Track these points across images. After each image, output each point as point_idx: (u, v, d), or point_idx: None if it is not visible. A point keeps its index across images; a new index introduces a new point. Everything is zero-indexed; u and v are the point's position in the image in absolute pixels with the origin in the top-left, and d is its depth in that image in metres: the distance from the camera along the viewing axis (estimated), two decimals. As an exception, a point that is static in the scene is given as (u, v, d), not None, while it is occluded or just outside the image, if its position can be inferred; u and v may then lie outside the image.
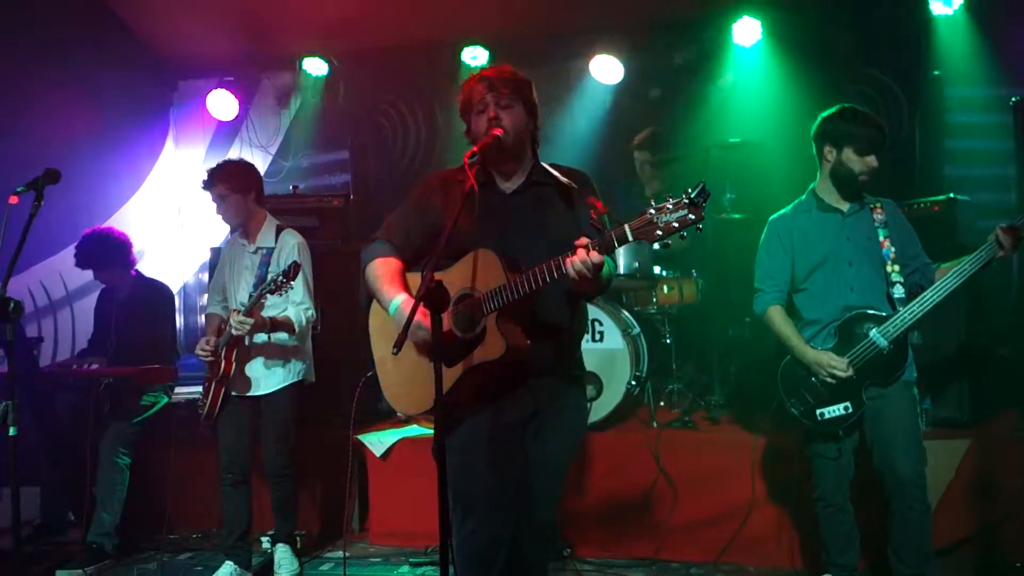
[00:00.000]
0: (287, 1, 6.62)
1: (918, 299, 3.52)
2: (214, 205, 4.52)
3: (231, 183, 4.46)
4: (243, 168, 4.59)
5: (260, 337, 4.40)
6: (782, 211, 3.89)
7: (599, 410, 4.93)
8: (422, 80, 7.52)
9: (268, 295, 4.13)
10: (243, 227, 4.57)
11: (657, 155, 6.11)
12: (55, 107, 6.15)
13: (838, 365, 3.58)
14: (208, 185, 4.49)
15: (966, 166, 6.12)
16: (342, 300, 5.60)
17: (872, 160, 3.61)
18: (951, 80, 6.25)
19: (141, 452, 5.10)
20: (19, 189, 3.61)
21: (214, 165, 4.55)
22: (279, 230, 4.61)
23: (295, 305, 4.43)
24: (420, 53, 7.27)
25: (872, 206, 3.74)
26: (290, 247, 4.51)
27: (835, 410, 3.64)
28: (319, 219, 6.01)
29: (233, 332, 4.24)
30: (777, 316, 3.80)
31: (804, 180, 3.94)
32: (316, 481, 5.29)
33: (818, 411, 3.68)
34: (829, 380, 3.61)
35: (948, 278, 3.47)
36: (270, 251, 4.51)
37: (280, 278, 4.04)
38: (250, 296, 4.31)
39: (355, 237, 5.96)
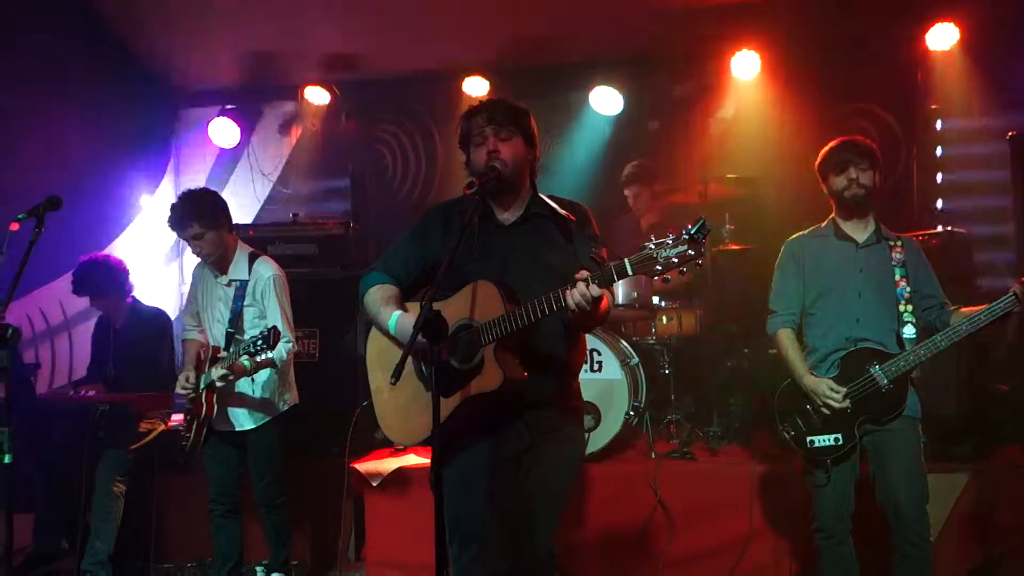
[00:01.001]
0: (290, 30, 6.67)
1: (927, 342, 3.50)
2: (191, 244, 4.28)
3: (205, 221, 4.22)
4: (212, 201, 4.31)
5: (242, 381, 4.34)
6: (800, 233, 3.91)
7: (597, 440, 4.91)
8: (422, 109, 7.58)
9: (246, 356, 4.02)
10: (218, 260, 4.37)
11: (649, 186, 6.16)
12: (57, 134, 6.18)
13: (834, 396, 3.58)
14: (179, 225, 4.22)
15: (963, 198, 6.16)
16: (340, 327, 5.59)
17: (851, 172, 3.66)
18: (948, 113, 6.31)
19: (136, 480, 5.06)
20: (20, 216, 3.62)
21: (177, 202, 4.26)
22: (252, 259, 4.43)
23: None
24: (421, 83, 7.35)
25: (892, 244, 3.73)
26: (264, 281, 4.35)
27: (825, 440, 3.64)
28: (318, 246, 6.00)
29: (216, 383, 4.18)
30: (785, 339, 3.80)
31: (803, 211, 3.97)
32: (312, 510, 5.24)
33: (808, 438, 3.67)
34: (824, 410, 3.62)
35: (960, 325, 3.46)
36: (244, 283, 4.35)
37: (259, 343, 3.91)
38: (226, 334, 4.28)
39: (354, 264, 5.97)
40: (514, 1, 6.31)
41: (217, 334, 4.39)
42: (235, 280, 4.38)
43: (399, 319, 2.94)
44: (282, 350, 4.27)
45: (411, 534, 4.73)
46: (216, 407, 4.30)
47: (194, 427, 4.35)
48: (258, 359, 4.07)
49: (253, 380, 4.35)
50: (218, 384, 4.17)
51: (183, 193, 4.36)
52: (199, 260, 4.46)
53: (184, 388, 4.33)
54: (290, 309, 4.45)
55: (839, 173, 3.69)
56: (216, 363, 4.24)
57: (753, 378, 5.57)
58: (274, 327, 3.95)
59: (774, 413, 3.79)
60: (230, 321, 4.32)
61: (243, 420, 4.40)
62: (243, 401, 4.38)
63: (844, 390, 3.58)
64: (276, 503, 4.51)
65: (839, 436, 3.61)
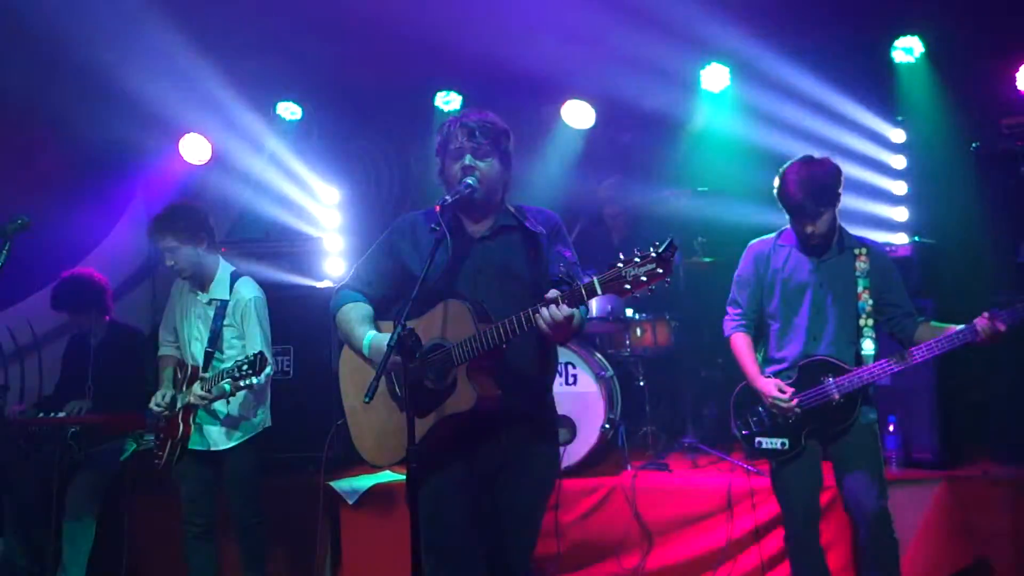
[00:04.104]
0: (261, 45, 6.65)
1: (880, 364, 3.55)
2: (166, 256, 4.27)
3: (181, 234, 4.20)
4: (192, 215, 4.32)
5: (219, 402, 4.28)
6: (764, 236, 3.91)
7: (572, 454, 4.92)
8: (395, 124, 7.57)
9: (229, 380, 3.99)
10: (195, 277, 4.34)
11: (627, 203, 6.20)
12: (25, 150, 6.12)
13: (781, 396, 3.62)
14: (155, 236, 4.23)
15: (928, 209, 6.23)
16: (314, 343, 5.57)
17: (804, 227, 3.62)
18: (914, 125, 6.39)
19: (108, 503, 4.99)
20: (-12, 236, 3.57)
21: (158, 213, 4.29)
22: (234, 278, 4.39)
23: None
24: (394, 97, 7.34)
25: (857, 252, 3.70)
26: (245, 303, 4.30)
27: (772, 443, 3.71)
28: (291, 262, 6.00)
29: (192, 402, 4.15)
30: (738, 342, 3.86)
31: (773, 223, 3.97)
32: (287, 530, 5.18)
33: (757, 439, 3.75)
34: (774, 411, 3.67)
35: (918, 351, 3.51)
36: (225, 303, 4.30)
37: (245, 367, 3.89)
38: (207, 352, 4.23)
39: (327, 280, 5.97)
40: (485, 15, 6.32)
41: (195, 352, 4.33)
42: (215, 299, 4.33)
43: (373, 340, 2.93)
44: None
45: (388, 552, 4.69)
46: (192, 428, 4.25)
47: (168, 446, 4.30)
48: (242, 384, 3.99)
49: (228, 402, 4.27)
50: (194, 403, 4.14)
51: (166, 205, 4.38)
52: (179, 276, 4.42)
53: (158, 406, 4.27)
54: (269, 331, 4.41)
55: (800, 224, 3.63)
56: (195, 382, 4.20)
57: (727, 388, 5.60)
58: (260, 353, 3.93)
59: (729, 412, 3.87)
60: (209, 340, 4.26)
61: (218, 440, 4.32)
62: (218, 421, 4.32)
63: (792, 390, 3.63)
64: (252, 524, 4.44)
65: (785, 440, 3.67)
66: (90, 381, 5.11)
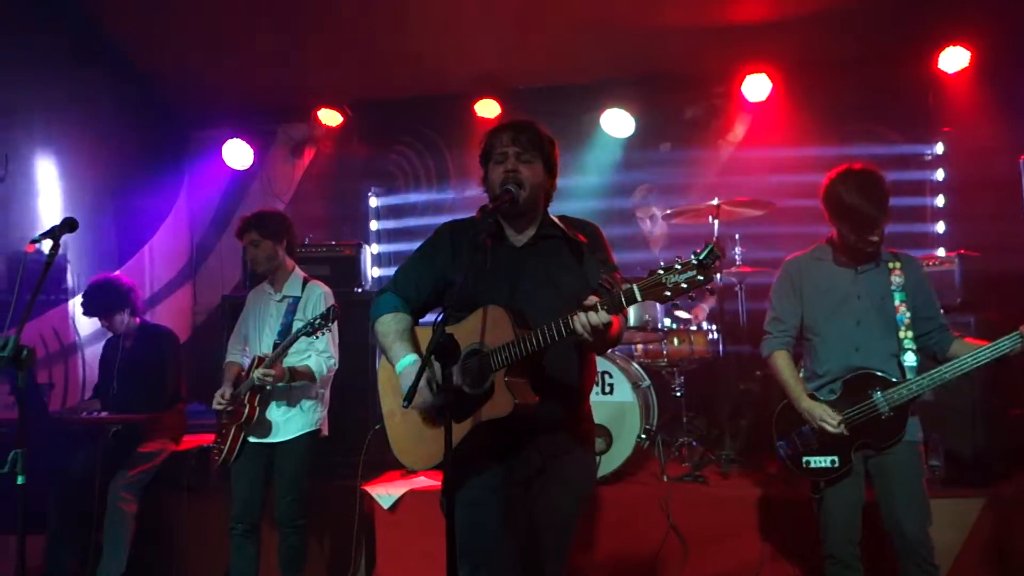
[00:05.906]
0: (303, 53, 6.73)
1: (931, 373, 3.47)
2: (248, 250, 4.65)
3: (264, 230, 4.58)
4: (277, 217, 4.72)
5: (282, 392, 4.47)
6: (798, 254, 3.87)
7: (608, 463, 4.89)
8: (435, 131, 7.63)
9: (304, 336, 4.22)
10: (271, 275, 4.66)
11: (660, 209, 6.18)
12: (71, 156, 6.24)
13: (829, 420, 3.56)
14: (242, 231, 4.60)
15: (973, 222, 6.14)
16: (352, 349, 5.59)
17: (869, 236, 3.55)
18: (959, 135, 6.30)
19: (148, 500, 5.07)
20: (36, 237, 3.64)
21: (250, 214, 4.67)
22: (306, 281, 4.69)
23: (318, 353, 4.49)
24: (433, 105, 7.41)
25: (891, 266, 3.66)
26: (316, 297, 4.58)
27: (821, 461, 3.63)
28: (330, 268, 6.05)
29: (256, 382, 4.30)
30: (781, 361, 3.78)
31: (813, 233, 3.93)
32: (322, 533, 5.23)
33: (805, 458, 3.66)
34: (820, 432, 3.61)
35: (965, 359, 3.43)
36: (296, 300, 4.58)
37: (319, 320, 4.14)
38: (276, 344, 4.39)
39: (366, 286, 6.00)
40: (527, 23, 6.35)
41: (266, 346, 4.52)
42: (288, 296, 4.62)
43: (408, 367, 2.91)
44: (323, 365, 4.50)
45: (422, 557, 4.71)
46: (258, 411, 4.41)
47: (231, 435, 4.44)
48: (318, 335, 4.23)
49: (291, 388, 4.45)
50: (257, 383, 4.30)
51: (259, 209, 4.80)
52: (254, 288, 4.80)
53: (219, 403, 4.47)
54: (337, 329, 4.60)
55: (856, 233, 3.56)
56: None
57: (765, 401, 5.54)
58: (334, 305, 4.24)
59: (772, 430, 3.79)
60: (280, 333, 4.49)
61: (280, 429, 4.48)
62: (283, 409, 4.50)
63: (840, 416, 3.57)
64: (297, 523, 4.52)
65: (835, 459, 3.60)
66: (114, 382, 5.24)
